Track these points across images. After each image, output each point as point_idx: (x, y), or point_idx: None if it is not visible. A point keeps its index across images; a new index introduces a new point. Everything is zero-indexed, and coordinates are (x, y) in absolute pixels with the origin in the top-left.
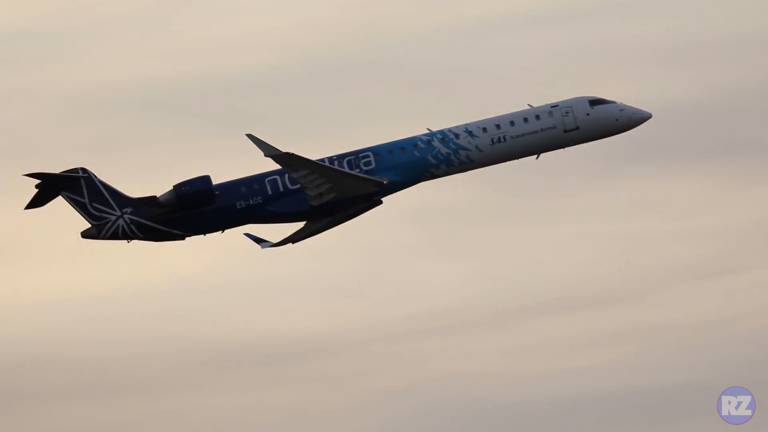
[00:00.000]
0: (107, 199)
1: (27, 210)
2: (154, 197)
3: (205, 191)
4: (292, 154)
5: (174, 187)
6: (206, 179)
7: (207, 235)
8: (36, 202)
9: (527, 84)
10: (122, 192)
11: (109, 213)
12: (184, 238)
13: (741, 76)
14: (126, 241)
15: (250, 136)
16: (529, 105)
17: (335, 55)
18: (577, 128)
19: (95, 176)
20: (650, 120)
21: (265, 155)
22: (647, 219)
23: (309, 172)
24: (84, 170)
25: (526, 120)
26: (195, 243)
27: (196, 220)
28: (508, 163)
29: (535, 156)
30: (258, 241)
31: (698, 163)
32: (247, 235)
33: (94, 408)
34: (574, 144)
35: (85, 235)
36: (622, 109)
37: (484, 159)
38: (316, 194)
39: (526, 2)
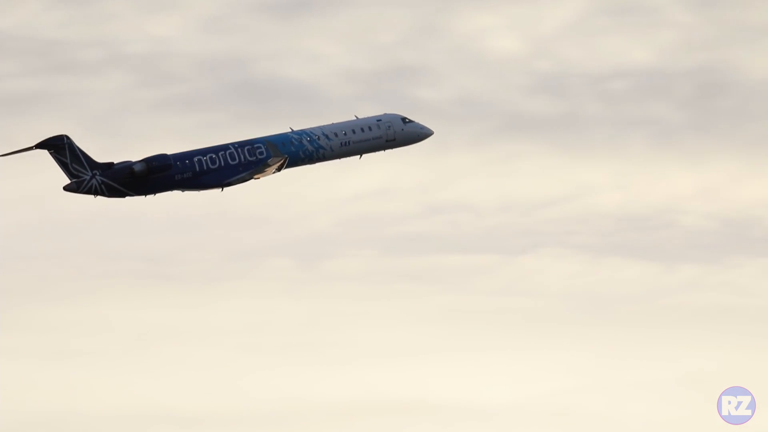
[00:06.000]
0: (83, 162)
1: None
2: (113, 163)
3: (168, 165)
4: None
5: (145, 160)
6: (168, 156)
7: (147, 196)
8: (9, 154)
9: None
10: (92, 157)
11: (84, 173)
12: (125, 197)
13: None
14: (93, 196)
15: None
16: (355, 116)
17: None
18: (395, 140)
19: (74, 143)
20: None
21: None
22: None
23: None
24: (67, 137)
25: (363, 130)
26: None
27: (148, 186)
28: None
29: (359, 156)
30: None
31: None
32: None
33: None
34: (389, 149)
35: (67, 188)
36: (422, 128)
37: (332, 156)
38: (251, 178)
39: None
